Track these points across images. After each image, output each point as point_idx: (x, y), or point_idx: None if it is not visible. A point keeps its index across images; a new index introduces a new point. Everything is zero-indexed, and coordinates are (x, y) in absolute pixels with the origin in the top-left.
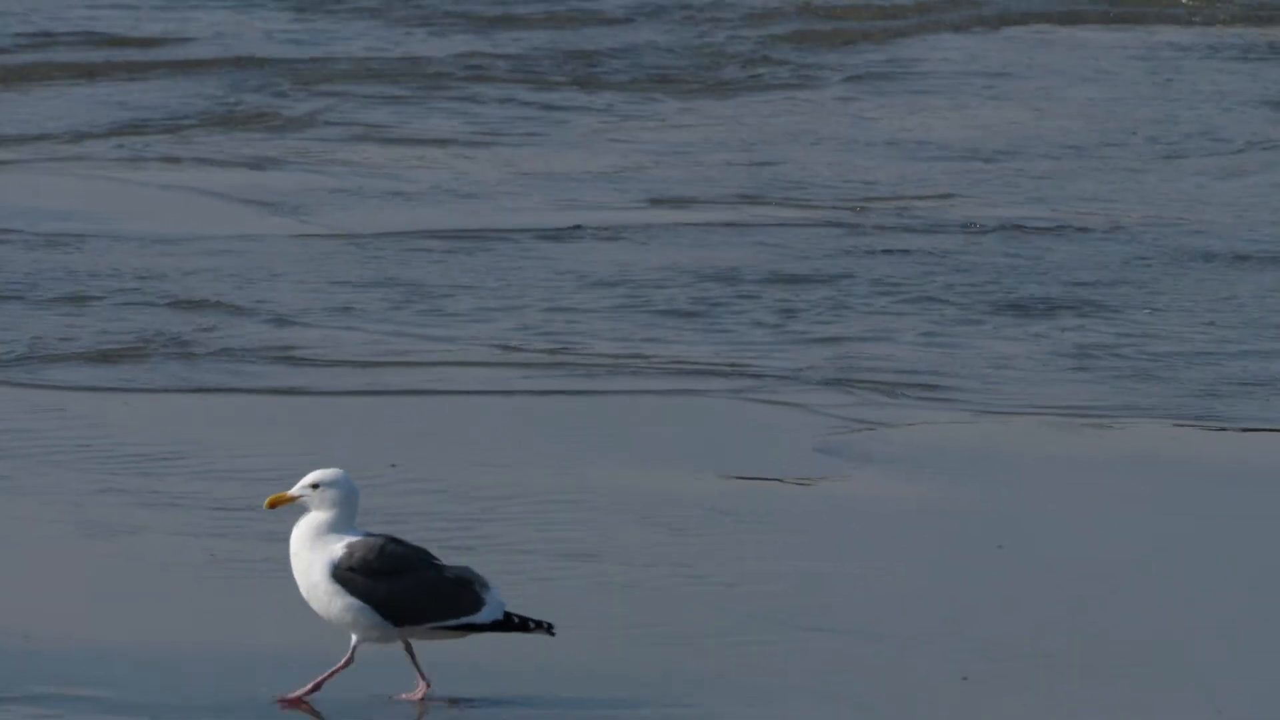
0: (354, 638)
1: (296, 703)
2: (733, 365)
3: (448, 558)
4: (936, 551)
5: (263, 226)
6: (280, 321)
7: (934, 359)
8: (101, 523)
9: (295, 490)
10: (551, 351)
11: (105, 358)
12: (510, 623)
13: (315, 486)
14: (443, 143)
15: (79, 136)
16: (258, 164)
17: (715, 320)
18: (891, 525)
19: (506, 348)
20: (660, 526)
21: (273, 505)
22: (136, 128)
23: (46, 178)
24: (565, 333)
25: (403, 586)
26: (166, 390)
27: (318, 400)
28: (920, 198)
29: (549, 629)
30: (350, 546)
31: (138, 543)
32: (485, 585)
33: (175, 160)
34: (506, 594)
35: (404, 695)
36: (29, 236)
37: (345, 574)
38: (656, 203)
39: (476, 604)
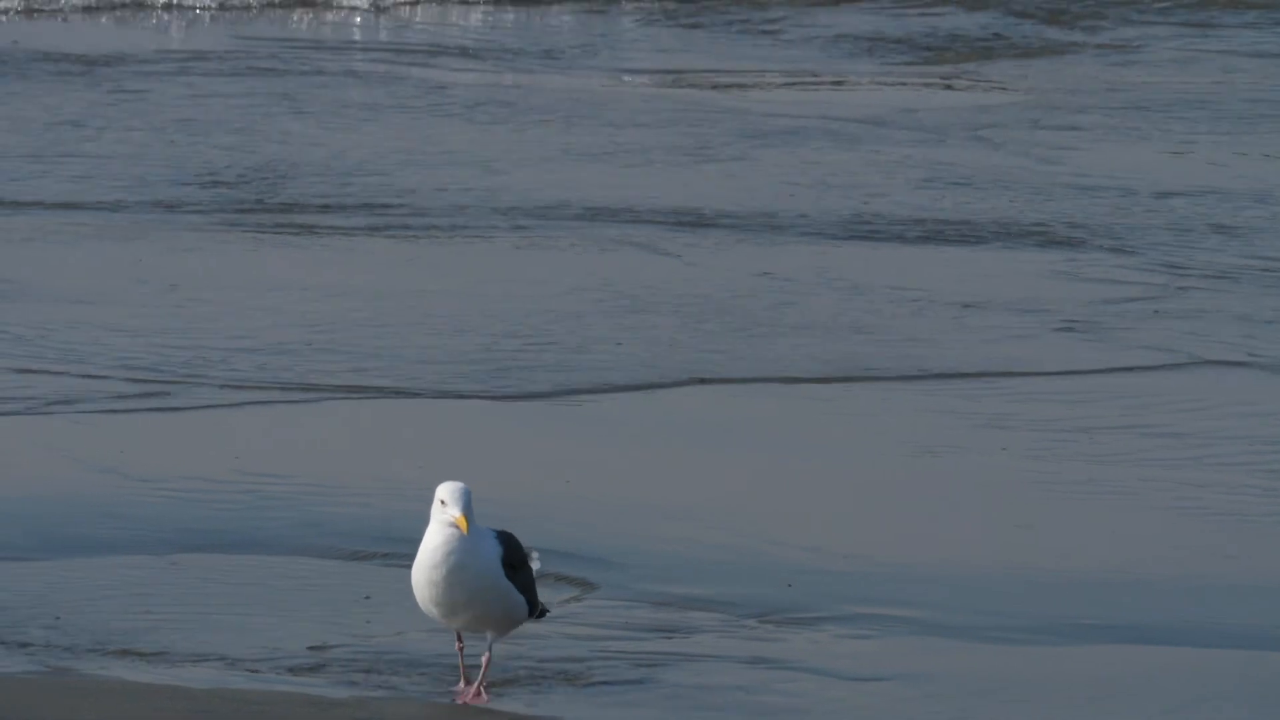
0: (490, 636)
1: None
2: None
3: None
4: None
5: None
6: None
7: None
8: (924, 443)
9: (453, 510)
10: None
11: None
12: (545, 609)
13: (443, 503)
14: None
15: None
16: None
17: None
18: None
19: None
20: None
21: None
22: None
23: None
24: None
25: (530, 578)
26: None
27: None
28: None
29: (543, 613)
30: (504, 542)
31: (957, 463)
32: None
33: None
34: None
35: (467, 698)
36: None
37: (509, 570)
38: None
39: None
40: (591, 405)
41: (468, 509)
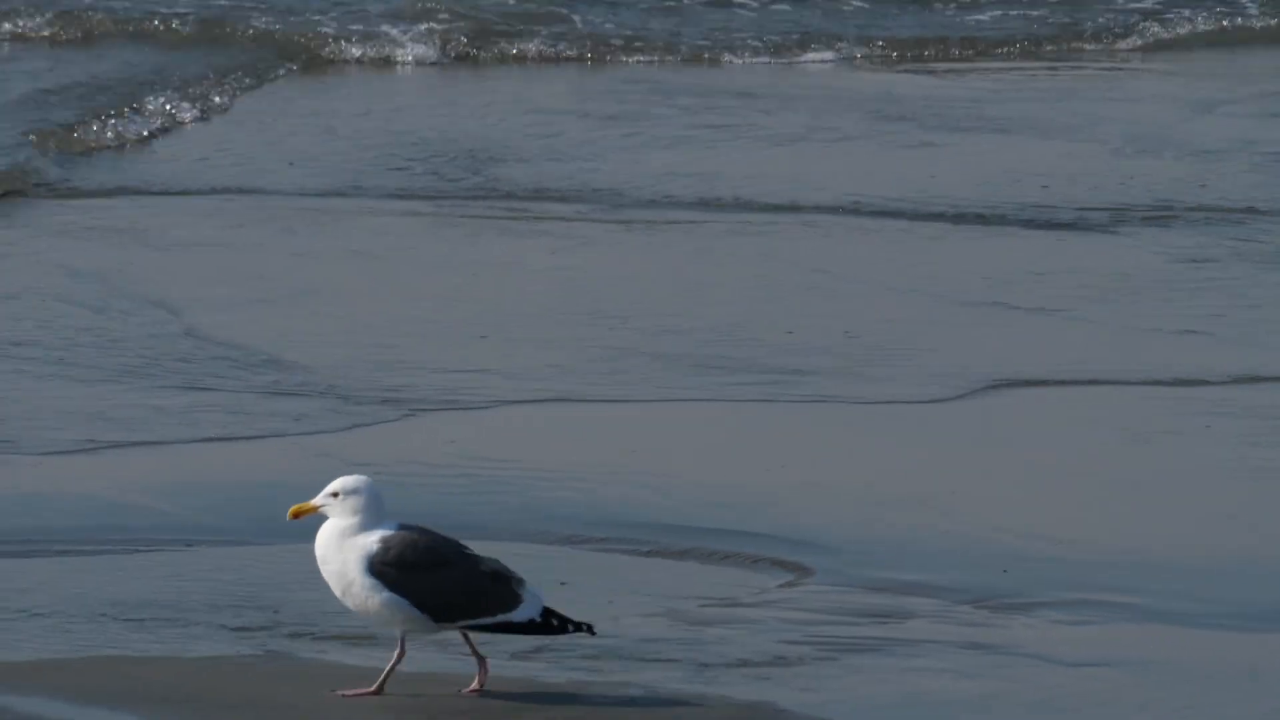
0: (398, 631)
1: (358, 696)
2: None
3: None
4: None
5: None
6: None
7: None
8: (1140, 431)
9: (317, 500)
10: None
11: None
12: (548, 624)
13: (336, 495)
14: None
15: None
16: None
17: None
18: None
19: None
20: None
21: (295, 515)
22: None
23: None
24: None
25: (439, 581)
26: None
27: None
28: None
29: (590, 629)
30: (385, 541)
31: (1172, 448)
32: (521, 581)
33: None
34: None
35: (469, 690)
36: None
37: (381, 568)
38: None
39: (513, 601)
40: (805, 396)
41: (326, 498)
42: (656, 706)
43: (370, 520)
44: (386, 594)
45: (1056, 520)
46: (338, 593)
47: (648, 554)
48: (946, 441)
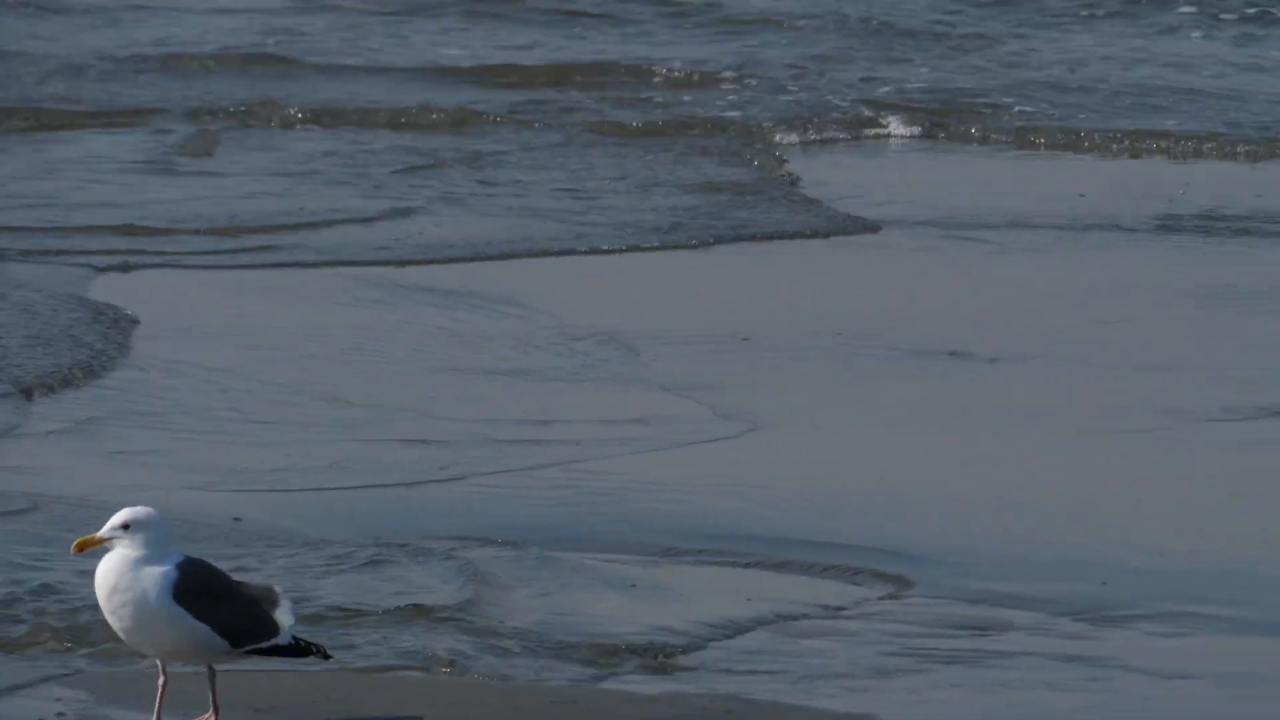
0: (185, 660)
1: None
2: None
3: None
4: None
5: None
6: None
7: None
8: (1243, 439)
9: (104, 532)
10: None
11: None
12: (298, 647)
13: (126, 527)
14: None
15: None
16: None
17: None
18: None
19: None
20: None
21: (81, 549)
22: None
23: None
24: None
25: (232, 608)
26: None
27: None
28: None
29: (325, 654)
30: (183, 569)
31: (1274, 460)
32: (275, 603)
33: None
34: None
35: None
36: None
37: (186, 597)
38: None
39: (275, 626)
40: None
41: (115, 531)
42: (755, 717)
43: (160, 551)
44: (192, 623)
45: (1157, 531)
46: (127, 624)
47: (748, 565)
48: (1046, 448)
